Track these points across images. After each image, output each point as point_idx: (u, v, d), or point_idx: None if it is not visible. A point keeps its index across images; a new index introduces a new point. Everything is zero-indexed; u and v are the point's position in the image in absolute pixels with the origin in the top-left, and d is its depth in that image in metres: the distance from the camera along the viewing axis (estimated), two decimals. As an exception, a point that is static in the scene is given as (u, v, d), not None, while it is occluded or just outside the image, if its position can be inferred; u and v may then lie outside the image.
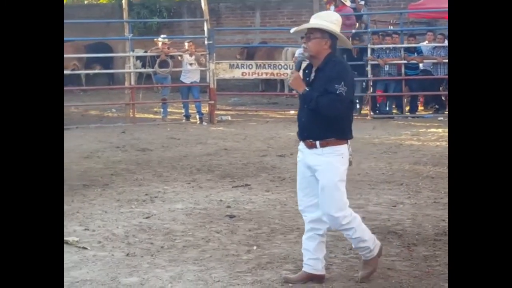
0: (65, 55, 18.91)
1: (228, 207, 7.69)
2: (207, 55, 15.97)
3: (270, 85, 20.66)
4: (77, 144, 12.42)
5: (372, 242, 5.22)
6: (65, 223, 7.06)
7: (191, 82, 16.04)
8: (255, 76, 16.63)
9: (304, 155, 5.13)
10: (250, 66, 16.30)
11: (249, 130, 13.90)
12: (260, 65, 16.37)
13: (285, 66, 16.12)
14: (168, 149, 11.81)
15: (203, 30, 16.61)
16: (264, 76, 16.82)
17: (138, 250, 6.16)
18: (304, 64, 5.22)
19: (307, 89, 4.98)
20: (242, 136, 13.08)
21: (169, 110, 16.65)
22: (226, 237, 6.55)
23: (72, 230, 6.80)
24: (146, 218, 7.24)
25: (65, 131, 14.04)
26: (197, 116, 15.79)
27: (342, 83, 4.84)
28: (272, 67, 16.25)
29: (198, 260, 5.85)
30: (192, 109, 16.21)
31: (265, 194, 8.35)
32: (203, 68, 16.05)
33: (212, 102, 15.69)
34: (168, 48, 16.48)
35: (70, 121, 15.76)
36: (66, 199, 8.12)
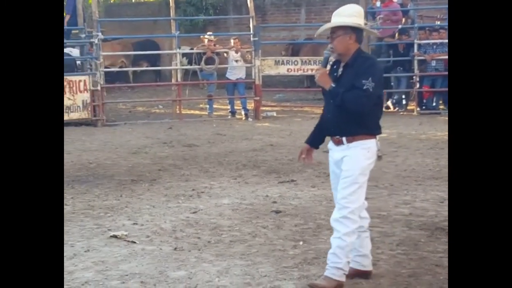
0: (113, 53, 19.27)
1: (274, 202, 7.73)
2: (253, 52, 16.02)
3: (315, 81, 20.59)
4: (125, 140, 12.58)
5: (345, 265, 4.94)
6: (114, 217, 7.19)
7: (237, 79, 16.11)
8: (300, 72, 16.64)
9: (332, 152, 5.08)
10: (296, 62, 16.31)
11: (294, 126, 13.92)
12: (305, 61, 16.38)
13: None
14: (214, 145, 11.90)
15: (249, 27, 16.66)
16: (309, 72, 16.78)
17: (186, 245, 6.23)
18: (332, 60, 5.20)
19: (333, 85, 4.92)
20: (288, 132, 13.11)
21: (215, 106, 16.76)
22: (272, 232, 6.59)
23: (121, 224, 6.91)
24: (193, 213, 7.32)
25: (113, 127, 14.32)
26: (243, 112, 15.87)
27: (370, 78, 4.77)
28: (317, 63, 16.19)
29: (244, 255, 5.90)
30: (238, 106, 16.29)
31: (310, 189, 8.37)
32: (248, 65, 16.12)
33: (258, 98, 15.75)
34: (214, 45, 16.58)
35: (118, 118, 15.99)
36: (115, 193, 8.27)
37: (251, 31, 16.27)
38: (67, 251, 6.06)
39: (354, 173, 4.89)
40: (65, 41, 16.57)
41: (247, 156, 10.70)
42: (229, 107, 16.31)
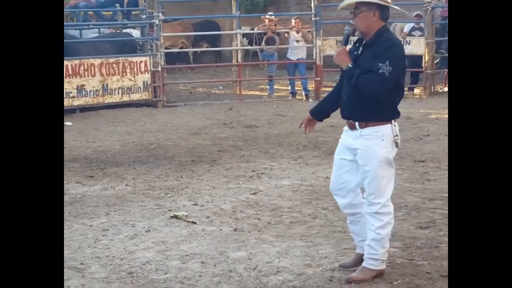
0: (173, 33, 19.36)
1: (335, 184, 7.65)
2: (314, 32, 15.90)
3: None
4: (185, 121, 12.64)
5: (383, 254, 4.81)
6: (174, 198, 7.23)
7: (298, 59, 16.03)
8: (361, 52, 16.40)
9: (345, 135, 4.86)
10: (357, 42, 16.09)
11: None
12: (367, 41, 16.14)
13: (393, 42, 15.80)
14: (274, 126, 11.86)
15: (310, 7, 16.52)
16: (371, 52, 16.54)
17: (246, 226, 6.23)
18: (354, 38, 4.95)
19: (350, 65, 4.64)
20: (349, 113, 12.97)
21: (275, 87, 16.71)
22: (332, 213, 6.53)
23: (181, 205, 6.94)
24: (253, 194, 7.31)
25: (173, 108, 14.40)
26: (303, 93, 15.79)
27: (387, 62, 4.47)
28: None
29: (305, 236, 5.87)
30: (298, 86, 16.21)
31: (372, 171, 8.25)
32: (309, 45, 16.01)
33: (319, 78, 15.64)
34: (275, 25, 16.50)
35: (178, 98, 16.08)
36: (175, 174, 8.32)
37: (313, 11, 16.12)
38: (128, 231, 6.12)
39: (373, 166, 4.64)
40: (125, 22, 16.74)
41: (308, 137, 10.62)
42: (289, 87, 16.24)
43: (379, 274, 4.83)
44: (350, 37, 4.90)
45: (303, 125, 5.15)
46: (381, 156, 4.64)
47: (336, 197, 4.98)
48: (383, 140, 4.64)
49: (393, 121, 4.69)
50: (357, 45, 4.81)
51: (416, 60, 15.66)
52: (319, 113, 5.14)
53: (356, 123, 4.69)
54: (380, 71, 4.48)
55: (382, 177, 4.67)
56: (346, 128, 4.85)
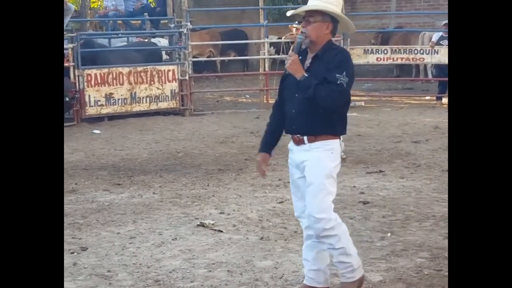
0: (201, 42, 19.43)
1: (362, 193, 7.63)
2: (341, 41, 15.86)
3: (404, 70, 20.28)
4: (212, 130, 12.67)
5: (356, 260, 4.63)
6: (201, 206, 7.25)
7: (325, 68, 15.98)
8: (390, 61, 16.35)
9: (292, 153, 4.61)
10: (385, 51, 16.04)
11: (383, 116, 13.73)
12: (395, 50, 16.09)
13: (421, 51, 15.78)
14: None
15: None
16: (399, 61, 16.51)
17: (272, 234, 6.22)
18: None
19: (306, 75, 4.39)
20: (376, 122, 12.94)
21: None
22: (359, 223, 6.51)
23: (208, 213, 6.95)
24: (280, 202, 7.30)
25: (201, 117, 14.44)
26: (330, 102, 15.74)
27: (344, 73, 4.29)
28: (407, 52, 15.94)
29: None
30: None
31: (399, 180, 8.23)
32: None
33: (346, 87, 15.57)
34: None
35: (205, 107, 16.12)
36: (202, 183, 8.33)
37: (340, 20, 16.08)
38: (155, 239, 6.14)
39: (319, 179, 4.42)
40: (154, 31, 16.85)
41: (335, 146, 10.61)
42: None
43: (361, 282, 4.68)
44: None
45: (262, 172, 4.90)
46: (329, 169, 4.45)
47: (302, 220, 4.69)
48: (332, 153, 4.46)
49: (341, 136, 4.59)
50: (300, 57, 4.50)
51: (444, 69, 15.54)
52: (269, 146, 4.83)
53: (305, 138, 4.47)
54: (338, 82, 4.29)
55: (327, 191, 4.44)
56: (291, 145, 4.63)
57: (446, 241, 5.92)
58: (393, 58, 16.03)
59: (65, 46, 13.97)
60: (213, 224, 6.54)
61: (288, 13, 4.67)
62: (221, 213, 6.98)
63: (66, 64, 13.67)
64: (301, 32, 4.49)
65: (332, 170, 4.47)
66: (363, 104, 15.91)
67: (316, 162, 4.43)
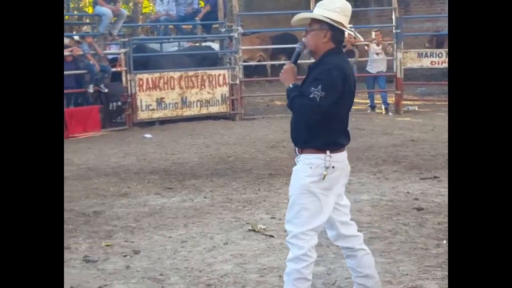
0: (252, 47, 19.45)
1: (416, 199, 7.51)
2: (395, 44, 15.71)
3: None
4: (263, 134, 12.65)
5: None
6: (252, 211, 7.22)
7: (377, 72, 15.85)
8: (444, 64, 16.10)
9: None
10: (440, 55, 15.81)
11: (437, 121, 13.53)
12: (450, 53, 15.88)
13: (476, 55, 15.53)
14: (353, 139, 11.59)
15: (391, 19, 16.33)
16: (454, 65, 16.29)
17: (324, 240, 6.12)
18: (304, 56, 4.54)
19: (291, 86, 4.28)
20: (430, 127, 12.76)
21: (354, 100, 16.54)
22: (414, 230, 6.40)
23: (259, 218, 6.91)
24: (332, 208, 7.21)
25: (251, 121, 14.43)
26: (383, 107, 15.60)
27: (320, 87, 4.08)
28: (462, 55, 15.70)
29: (385, 252, 5.76)
30: (378, 100, 16.03)
31: (454, 186, 8.07)
32: (390, 58, 15.83)
33: (399, 92, 15.42)
34: (354, 38, 16.36)
35: (256, 111, 16.12)
36: (253, 187, 8.30)
37: (393, 23, 15.93)
38: (207, 243, 6.13)
39: (294, 192, 4.27)
40: (205, 35, 16.90)
41: (387, 151, 10.49)
42: (368, 101, 16.07)
43: None
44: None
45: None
46: (303, 183, 4.23)
47: (326, 229, 4.55)
48: (310, 168, 4.23)
49: (328, 151, 4.25)
50: (311, 66, 4.40)
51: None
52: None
53: (296, 148, 4.36)
54: (311, 96, 4.11)
55: (301, 206, 4.24)
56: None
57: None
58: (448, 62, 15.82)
59: (117, 50, 14.13)
60: (264, 229, 6.50)
61: (292, 22, 4.58)
62: (272, 218, 6.94)
63: (118, 69, 13.82)
64: (301, 41, 4.40)
65: (309, 185, 4.22)
66: (416, 109, 15.73)
67: (294, 174, 4.32)
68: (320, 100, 4.11)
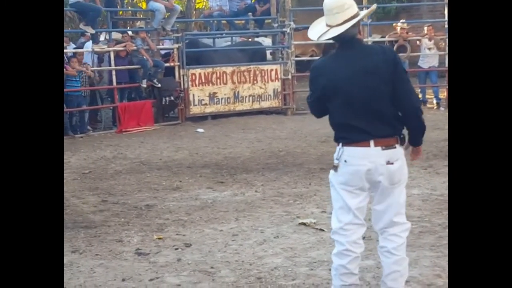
0: (304, 42, 19.41)
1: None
2: (447, 39, 15.57)
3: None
4: (314, 129, 12.67)
5: None
6: (302, 204, 7.28)
7: (429, 67, 15.75)
8: (496, 59, 15.97)
9: None
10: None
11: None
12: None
13: None
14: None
15: (443, 14, 16.21)
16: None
17: (374, 234, 6.12)
18: None
19: None
20: (482, 122, 12.62)
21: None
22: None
23: (309, 212, 6.97)
24: (382, 202, 7.23)
25: (303, 116, 14.46)
26: (434, 101, 15.49)
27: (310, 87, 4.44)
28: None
29: (434, 246, 5.77)
30: (430, 94, 15.91)
31: None
32: (442, 53, 15.70)
33: (451, 87, 15.28)
34: (407, 33, 16.28)
35: (307, 107, 16.12)
36: (304, 181, 8.36)
37: (446, 18, 15.79)
38: (257, 236, 6.21)
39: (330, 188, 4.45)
40: (257, 30, 16.98)
41: (438, 146, 10.43)
42: (420, 95, 15.96)
43: None
44: None
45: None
46: (330, 178, 4.43)
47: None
48: (333, 160, 4.37)
49: (341, 144, 4.31)
50: None
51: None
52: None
53: None
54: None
55: (332, 200, 4.46)
56: None
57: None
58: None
59: (170, 46, 14.30)
60: (314, 223, 6.55)
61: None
62: (323, 212, 6.98)
63: (171, 64, 13.99)
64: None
65: (331, 178, 4.40)
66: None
67: None
68: (308, 98, 4.47)
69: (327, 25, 4.29)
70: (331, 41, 4.32)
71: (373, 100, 4.21)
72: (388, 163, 4.24)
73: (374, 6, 5.09)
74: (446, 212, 6.76)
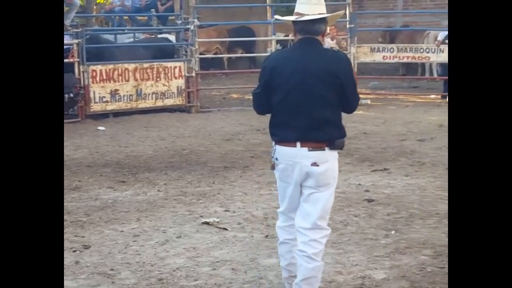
0: (208, 39, 19.42)
1: (367, 191, 7.62)
2: (348, 39, 15.84)
3: (410, 68, 20.24)
4: (218, 127, 12.66)
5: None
6: (206, 204, 7.24)
7: (331, 65, 15.96)
8: (396, 59, 16.35)
9: None
10: (392, 50, 16.04)
11: (388, 114, 13.70)
12: (401, 48, 16.09)
13: (427, 50, 15.81)
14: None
15: (345, 14, 16.46)
16: (405, 60, 16.56)
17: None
18: None
19: None
20: (382, 120, 12.91)
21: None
22: (364, 221, 6.50)
23: (213, 211, 6.94)
24: (285, 200, 7.27)
25: (207, 114, 14.43)
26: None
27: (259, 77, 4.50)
28: (413, 50, 15.95)
29: (336, 243, 5.84)
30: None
31: (404, 178, 8.21)
32: (344, 52, 15.95)
33: (353, 85, 15.54)
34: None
35: (212, 104, 16.11)
36: (207, 180, 8.32)
37: (347, 18, 16.05)
38: (159, 237, 6.14)
39: None
40: (161, 27, 16.83)
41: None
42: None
43: None
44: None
45: None
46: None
47: None
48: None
49: (273, 142, 4.43)
50: None
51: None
52: None
53: None
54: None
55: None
56: None
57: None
58: (399, 57, 16.05)
59: (70, 41, 13.96)
60: (218, 222, 6.53)
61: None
62: (226, 210, 6.97)
63: (71, 60, 13.66)
64: None
65: (276, 176, 4.52)
66: (369, 102, 15.87)
67: None
68: (254, 90, 4.51)
69: (299, 13, 4.34)
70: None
71: (310, 103, 4.26)
72: (314, 164, 4.28)
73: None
74: (347, 209, 6.86)
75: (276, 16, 4.54)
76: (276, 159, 4.37)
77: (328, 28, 4.48)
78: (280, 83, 4.34)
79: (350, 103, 4.44)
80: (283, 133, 4.34)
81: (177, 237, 6.12)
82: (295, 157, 4.30)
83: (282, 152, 4.34)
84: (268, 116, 4.49)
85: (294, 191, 4.42)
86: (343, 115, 4.43)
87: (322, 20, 4.37)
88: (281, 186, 4.49)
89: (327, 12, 4.43)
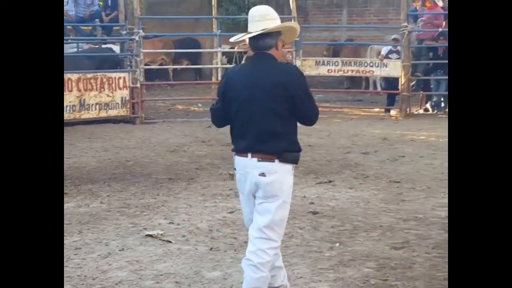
0: (153, 50, 19.32)
1: (312, 203, 7.65)
2: (294, 52, 15.95)
3: (355, 82, 20.49)
4: (163, 138, 12.59)
5: None
6: (150, 216, 7.17)
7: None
8: (340, 73, 16.57)
9: None
10: (336, 63, 16.23)
11: (333, 127, 13.81)
12: (346, 62, 16.29)
13: (371, 64, 16.05)
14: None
15: (290, 26, 16.57)
16: (349, 73, 16.77)
17: (222, 245, 6.19)
18: None
19: None
20: (326, 133, 13.00)
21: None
22: (309, 233, 6.52)
23: (157, 224, 6.88)
24: (230, 212, 7.26)
25: (152, 125, 14.34)
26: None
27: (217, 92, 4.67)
28: (357, 64, 16.19)
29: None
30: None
31: (348, 191, 8.27)
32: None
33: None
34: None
35: (157, 115, 16.01)
36: (152, 192, 8.26)
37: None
38: (102, 249, 6.06)
39: None
40: (106, 37, 16.67)
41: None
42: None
43: None
44: None
45: None
46: None
47: None
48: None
49: (233, 152, 4.55)
50: None
51: (393, 82, 15.88)
52: None
53: None
54: None
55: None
56: None
57: (393, 251, 5.98)
58: (343, 70, 16.26)
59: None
60: (162, 234, 6.47)
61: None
62: (170, 223, 6.92)
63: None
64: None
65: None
66: (314, 115, 15.98)
67: None
68: (213, 104, 4.61)
69: (248, 32, 4.48)
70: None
71: (259, 116, 4.37)
72: (261, 174, 4.36)
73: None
74: (292, 222, 6.85)
75: (231, 39, 4.66)
76: (235, 169, 4.53)
77: (283, 40, 4.54)
78: (232, 97, 4.46)
79: (307, 115, 4.56)
80: (238, 144, 4.48)
81: (120, 250, 6.05)
82: (246, 167, 4.42)
83: (237, 162, 4.49)
84: (215, 129, 4.59)
85: (249, 201, 4.51)
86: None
87: (268, 35, 4.46)
88: (240, 198, 4.64)
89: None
